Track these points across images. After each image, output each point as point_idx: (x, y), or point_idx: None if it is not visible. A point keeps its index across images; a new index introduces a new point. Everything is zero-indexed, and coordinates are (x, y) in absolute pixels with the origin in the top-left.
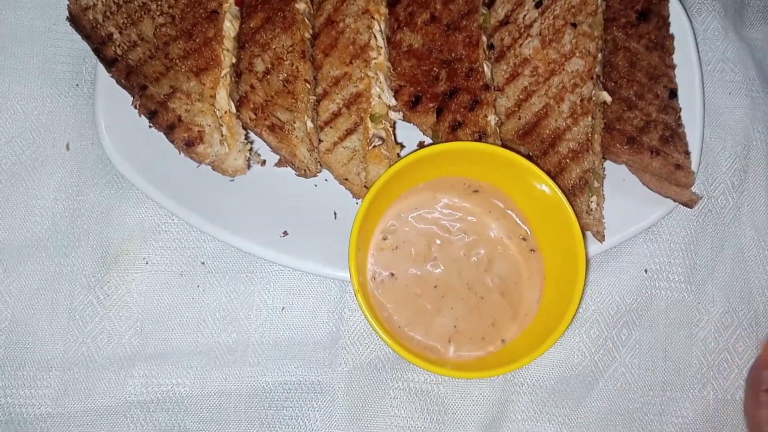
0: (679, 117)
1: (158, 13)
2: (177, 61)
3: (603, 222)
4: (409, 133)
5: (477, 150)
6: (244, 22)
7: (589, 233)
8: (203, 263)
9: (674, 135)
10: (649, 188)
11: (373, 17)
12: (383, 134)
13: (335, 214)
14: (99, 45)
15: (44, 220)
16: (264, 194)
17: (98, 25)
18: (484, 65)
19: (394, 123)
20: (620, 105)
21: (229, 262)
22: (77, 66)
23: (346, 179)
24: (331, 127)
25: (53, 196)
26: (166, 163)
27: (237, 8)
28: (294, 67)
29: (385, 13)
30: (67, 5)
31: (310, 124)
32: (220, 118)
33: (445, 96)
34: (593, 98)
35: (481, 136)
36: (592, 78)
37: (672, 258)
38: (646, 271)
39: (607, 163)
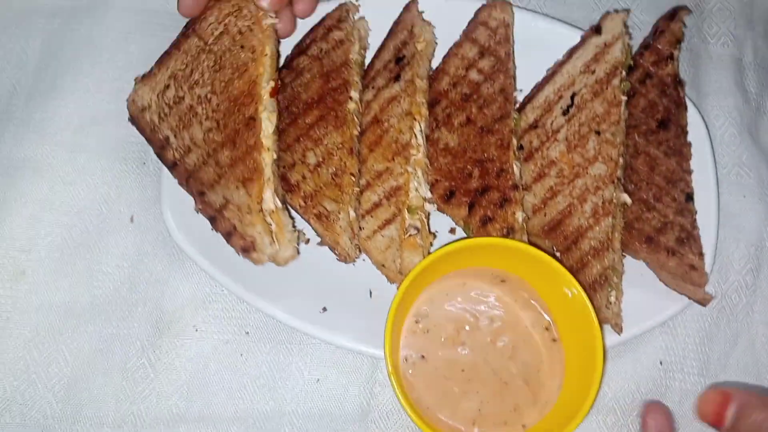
0: (695, 220)
1: (204, 117)
2: (226, 169)
3: (621, 315)
4: (441, 220)
5: (505, 246)
6: (300, 117)
7: (607, 325)
8: (247, 333)
9: (689, 237)
10: (666, 284)
11: (414, 118)
12: (418, 224)
13: (370, 292)
14: (159, 150)
15: (106, 285)
16: (307, 271)
17: (155, 128)
18: (514, 166)
19: (429, 214)
20: (639, 206)
21: (271, 333)
22: (145, 146)
23: (383, 265)
24: (371, 216)
25: (116, 263)
26: (220, 239)
27: (272, 101)
28: (342, 162)
29: (426, 114)
30: (127, 106)
31: (352, 214)
32: (269, 215)
33: (476, 192)
34: (614, 200)
35: (509, 232)
36: (613, 182)
37: (686, 351)
38: (661, 362)
39: (627, 258)
